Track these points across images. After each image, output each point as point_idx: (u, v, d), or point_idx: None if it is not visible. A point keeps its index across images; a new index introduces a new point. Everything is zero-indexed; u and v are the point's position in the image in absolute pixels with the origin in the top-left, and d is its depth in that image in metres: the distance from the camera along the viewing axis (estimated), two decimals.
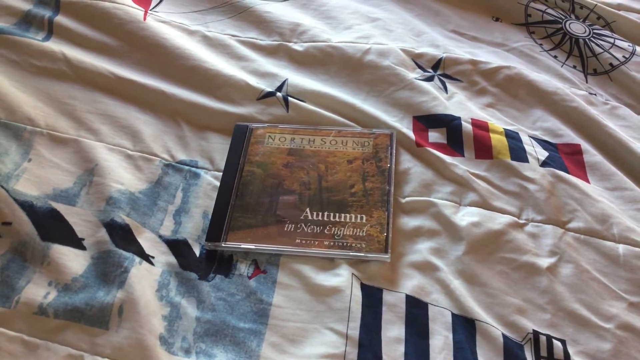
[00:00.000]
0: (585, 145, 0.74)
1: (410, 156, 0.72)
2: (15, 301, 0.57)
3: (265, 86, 0.77)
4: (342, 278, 0.61)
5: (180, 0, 0.90)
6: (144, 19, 0.82)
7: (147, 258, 0.61)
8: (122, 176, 0.67)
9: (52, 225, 0.62)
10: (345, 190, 0.67)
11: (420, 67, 0.82)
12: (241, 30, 0.86)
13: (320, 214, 0.65)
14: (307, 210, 0.66)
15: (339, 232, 0.64)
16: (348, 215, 0.65)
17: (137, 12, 0.83)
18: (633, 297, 0.61)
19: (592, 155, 0.73)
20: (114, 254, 0.60)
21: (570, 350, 0.58)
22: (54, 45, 0.78)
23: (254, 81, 0.77)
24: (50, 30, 0.80)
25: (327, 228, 0.64)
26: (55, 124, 0.71)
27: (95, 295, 0.57)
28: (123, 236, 0.62)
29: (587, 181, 0.71)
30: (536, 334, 0.58)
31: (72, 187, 0.66)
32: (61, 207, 0.64)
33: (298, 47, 0.83)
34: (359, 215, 0.65)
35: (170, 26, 0.84)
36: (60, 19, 0.81)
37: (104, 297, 0.57)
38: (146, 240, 0.63)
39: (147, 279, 0.59)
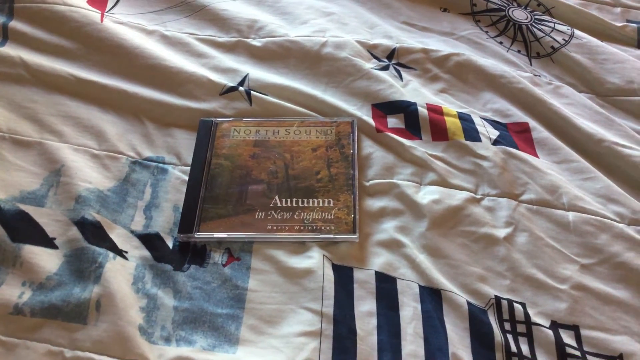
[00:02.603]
0: (532, 123, 0.79)
1: (372, 142, 0.75)
2: None
3: (227, 81, 0.78)
4: (314, 260, 0.63)
5: (136, 2, 0.90)
6: (101, 20, 0.82)
7: (120, 253, 0.62)
8: (90, 175, 0.68)
9: (22, 227, 0.62)
10: (312, 177, 0.70)
11: (375, 57, 0.85)
12: (199, 29, 0.87)
13: (289, 200, 0.68)
14: (276, 197, 0.68)
15: (308, 217, 0.66)
16: (316, 200, 0.68)
17: (94, 14, 0.83)
18: (584, 259, 0.66)
19: (539, 132, 0.78)
20: (87, 250, 0.61)
21: (530, 312, 0.62)
22: (11, 50, 0.78)
23: (215, 77, 0.79)
24: (5, 35, 0.80)
25: (297, 213, 0.66)
26: (17, 128, 0.71)
27: (72, 292, 0.58)
28: (95, 233, 0.63)
29: (536, 156, 0.75)
30: (498, 299, 0.62)
31: (39, 189, 0.66)
32: (30, 209, 0.64)
33: (256, 42, 0.85)
34: (326, 200, 0.68)
35: (128, 27, 0.84)
36: (15, 24, 0.81)
37: (80, 293, 0.58)
38: (118, 236, 0.64)
39: (122, 273, 0.60)
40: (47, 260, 0.60)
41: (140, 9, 0.89)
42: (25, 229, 0.62)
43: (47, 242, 0.62)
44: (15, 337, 0.56)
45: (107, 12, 0.86)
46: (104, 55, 0.80)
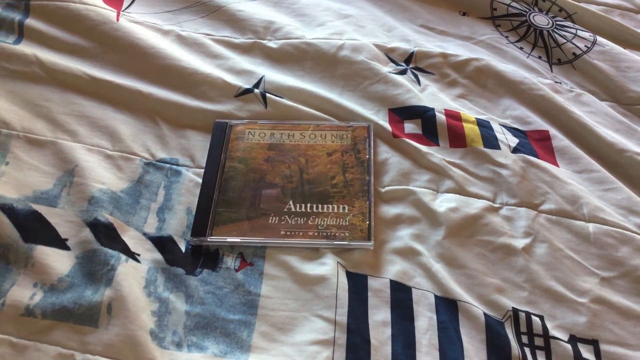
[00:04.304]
0: (553, 131, 0.77)
1: (388, 147, 0.74)
2: (0, 304, 0.56)
3: (243, 83, 0.78)
4: (328, 267, 0.62)
5: (152, 1, 0.90)
6: (117, 19, 0.82)
7: (132, 256, 0.62)
8: (103, 176, 0.67)
9: (34, 227, 0.62)
10: (327, 182, 0.69)
11: (393, 61, 0.84)
12: (215, 29, 0.87)
13: (303, 205, 0.67)
14: (290, 202, 0.67)
15: (322, 223, 0.65)
16: (330, 206, 0.67)
17: (110, 13, 0.83)
18: (604, 272, 0.65)
19: (560, 140, 0.76)
20: (99, 252, 0.60)
21: (549, 325, 0.60)
22: (26, 48, 0.77)
23: (231, 78, 0.78)
24: (21, 33, 0.80)
25: (311, 219, 0.66)
26: (32, 127, 0.71)
27: (83, 294, 0.57)
28: (107, 235, 0.62)
29: (557, 165, 0.74)
30: (515, 311, 0.61)
31: (52, 189, 0.66)
32: (42, 209, 0.64)
33: (272, 44, 0.84)
34: (341, 206, 0.67)
35: (143, 26, 0.84)
36: (31, 21, 0.80)
37: (92, 295, 0.57)
38: (131, 238, 0.63)
39: (134, 276, 0.60)
40: (59, 262, 0.60)
41: (156, 9, 0.89)
42: (38, 230, 0.62)
43: (60, 243, 0.61)
44: (26, 339, 0.55)
45: (123, 11, 0.86)
46: (119, 55, 0.79)
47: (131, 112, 0.75)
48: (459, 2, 0.96)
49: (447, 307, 0.60)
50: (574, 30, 0.92)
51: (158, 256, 0.63)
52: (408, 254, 0.64)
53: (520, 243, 0.65)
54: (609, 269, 0.65)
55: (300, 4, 0.92)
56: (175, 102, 0.75)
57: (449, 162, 0.72)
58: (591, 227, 0.67)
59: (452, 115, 0.76)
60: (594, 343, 0.60)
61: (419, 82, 0.82)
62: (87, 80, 0.76)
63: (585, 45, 0.89)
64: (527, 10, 0.95)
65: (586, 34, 0.91)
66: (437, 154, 0.72)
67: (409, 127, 0.76)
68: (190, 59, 0.80)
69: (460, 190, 0.69)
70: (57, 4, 0.82)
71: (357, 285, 0.62)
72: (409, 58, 0.85)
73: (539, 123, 0.78)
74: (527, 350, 0.58)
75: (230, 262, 0.63)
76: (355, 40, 0.84)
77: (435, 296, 0.61)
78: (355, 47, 0.83)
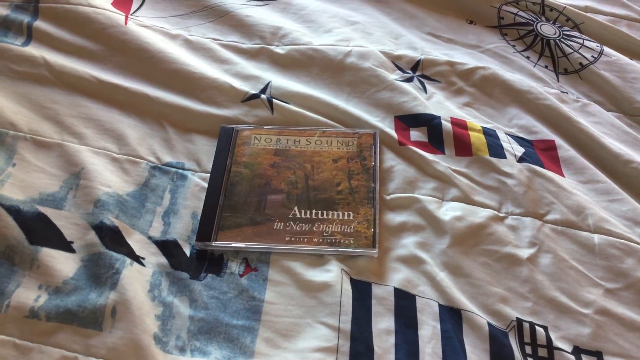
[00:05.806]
0: (559, 141, 0.77)
1: (394, 154, 0.74)
2: (5, 305, 0.57)
3: (249, 88, 0.78)
4: (332, 274, 0.62)
5: (160, 5, 0.90)
6: (125, 23, 0.82)
7: (137, 259, 0.62)
8: (109, 179, 0.67)
9: (40, 229, 0.62)
10: (332, 189, 0.69)
11: (399, 68, 0.84)
12: (222, 34, 0.87)
13: (308, 211, 0.67)
14: (295, 208, 0.67)
15: (327, 229, 0.65)
16: (335, 213, 0.67)
17: (118, 16, 0.83)
18: (609, 283, 0.64)
19: (565, 150, 0.76)
20: (104, 255, 0.60)
21: (552, 336, 0.60)
22: (34, 50, 0.78)
23: (237, 84, 0.78)
24: (30, 35, 0.80)
25: (316, 225, 0.66)
26: (39, 129, 0.71)
27: (88, 297, 0.57)
28: (113, 238, 0.62)
29: (562, 175, 0.74)
30: (519, 321, 0.61)
31: (58, 191, 0.66)
32: (48, 211, 0.64)
33: (280, 50, 0.84)
34: (346, 213, 0.67)
35: (151, 30, 0.84)
36: (39, 24, 0.81)
37: (96, 298, 0.57)
38: (136, 241, 0.63)
39: (138, 280, 0.60)
40: (64, 264, 0.60)
41: (164, 13, 0.89)
42: (43, 232, 0.62)
43: (65, 245, 0.62)
44: (30, 341, 0.55)
45: (131, 14, 0.86)
46: (127, 58, 0.79)
47: (138, 116, 0.75)
48: (466, 11, 0.96)
49: (451, 316, 0.60)
50: (580, 40, 0.92)
51: (163, 260, 0.63)
52: (412, 262, 0.64)
53: (525, 253, 0.65)
54: (613, 281, 0.65)
55: (307, 10, 0.92)
56: (182, 106, 0.76)
57: (455, 171, 0.72)
58: (596, 238, 0.67)
59: (458, 124, 0.76)
60: (597, 354, 0.59)
61: (425, 89, 0.82)
62: (94, 83, 0.76)
63: (592, 56, 0.89)
64: (534, 20, 0.95)
65: (593, 44, 0.91)
66: (442, 162, 0.72)
67: (415, 134, 0.76)
68: (198, 64, 0.80)
69: (465, 199, 0.69)
70: (66, 6, 0.82)
71: (361, 293, 0.61)
72: (416, 66, 0.85)
73: (545, 133, 0.78)
74: None
75: (234, 267, 0.63)
76: (362, 47, 0.84)
77: (440, 305, 0.61)
78: (362, 54, 0.83)
